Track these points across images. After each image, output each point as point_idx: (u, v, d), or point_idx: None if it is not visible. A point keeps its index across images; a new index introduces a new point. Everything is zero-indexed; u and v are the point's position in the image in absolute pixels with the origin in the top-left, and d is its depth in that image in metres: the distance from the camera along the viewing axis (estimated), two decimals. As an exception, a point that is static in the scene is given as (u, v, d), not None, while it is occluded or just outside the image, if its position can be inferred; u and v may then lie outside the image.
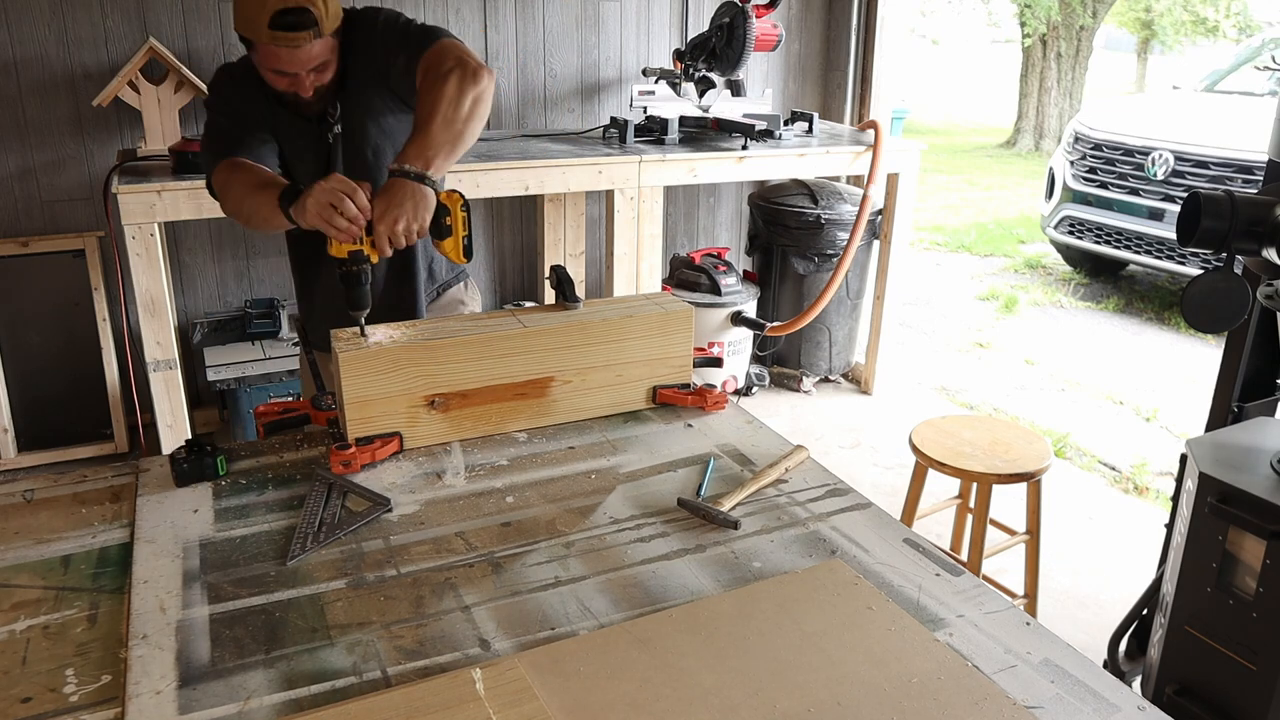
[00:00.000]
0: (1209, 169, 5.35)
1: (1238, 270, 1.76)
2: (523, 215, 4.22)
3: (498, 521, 1.38)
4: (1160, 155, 5.56)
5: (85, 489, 1.49)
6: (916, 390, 4.54)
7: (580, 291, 1.86)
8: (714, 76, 3.82)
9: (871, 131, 4.04)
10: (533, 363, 1.64)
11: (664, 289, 3.92)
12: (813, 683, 1.04)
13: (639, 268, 3.60)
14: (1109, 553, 3.18)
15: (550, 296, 1.80)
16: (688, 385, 1.78)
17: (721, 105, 3.97)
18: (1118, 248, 5.84)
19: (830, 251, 4.11)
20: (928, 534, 3.01)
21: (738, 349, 4.05)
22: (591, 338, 1.67)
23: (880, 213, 4.14)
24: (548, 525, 1.37)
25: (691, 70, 3.82)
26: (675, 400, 1.76)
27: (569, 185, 3.43)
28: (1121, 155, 5.79)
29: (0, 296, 3.35)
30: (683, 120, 3.81)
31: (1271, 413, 2.17)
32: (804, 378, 4.41)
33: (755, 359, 4.29)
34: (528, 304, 3.20)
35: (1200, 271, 1.91)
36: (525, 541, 1.33)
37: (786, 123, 4.03)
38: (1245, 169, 5.14)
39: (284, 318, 3.49)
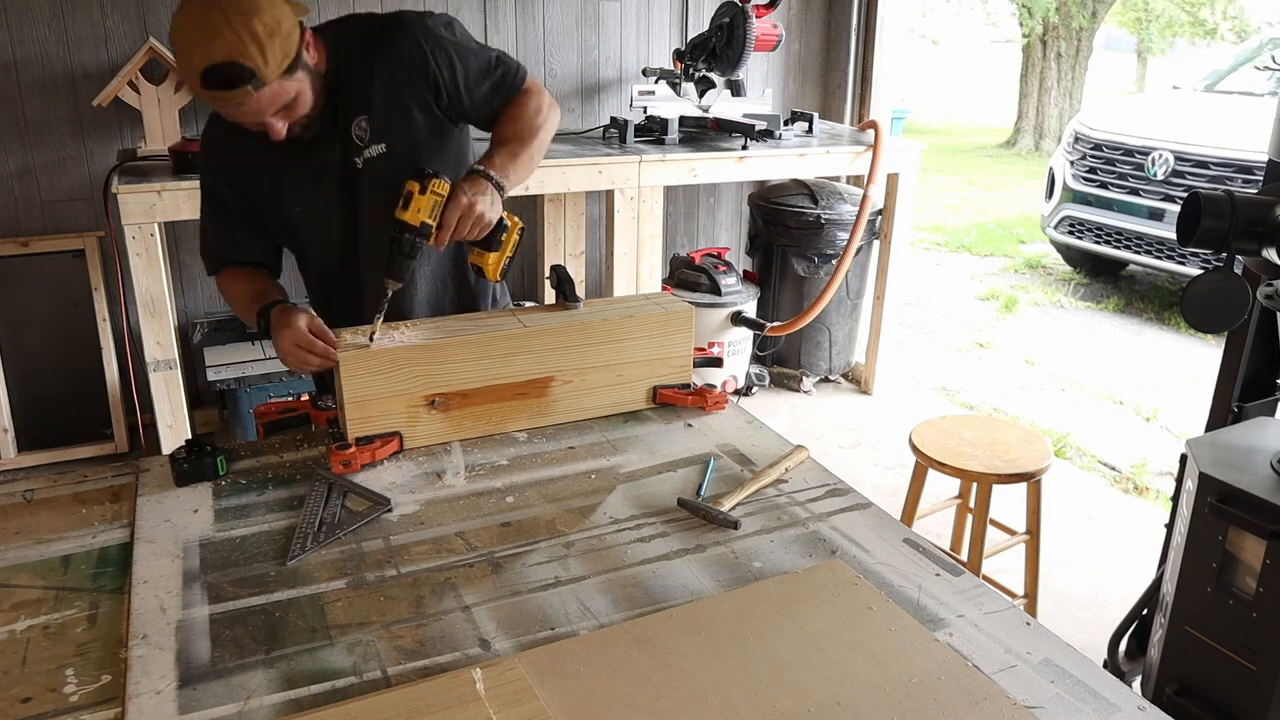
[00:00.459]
0: (1209, 169, 5.34)
1: (1238, 270, 1.76)
2: (523, 215, 4.19)
3: (498, 521, 1.38)
4: (1160, 155, 5.56)
5: (85, 489, 1.49)
6: (916, 390, 4.54)
7: (580, 291, 1.85)
8: (714, 76, 3.82)
9: (871, 131, 4.04)
10: (533, 363, 1.64)
11: (664, 289, 3.92)
12: (813, 683, 1.04)
13: (639, 268, 3.60)
14: (1109, 553, 3.18)
15: (550, 296, 1.80)
16: (688, 385, 1.78)
17: (721, 105, 3.97)
18: (1118, 248, 5.84)
19: (830, 251, 4.11)
20: (928, 534, 3.01)
21: (738, 349, 4.05)
22: (592, 338, 1.67)
23: (880, 213, 4.14)
24: (548, 525, 1.37)
25: (691, 70, 3.82)
26: (675, 400, 1.76)
27: (569, 185, 3.42)
28: (1121, 155, 5.79)
29: (0, 296, 3.35)
30: (683, 120, 3.81)
31: (1271, 413, 2.17)
32: (804, 378, 4.41)
33: (755, 359, 4.29)
34: (528, 304, 3.20)
35: (1200, 271, 1.91)
36: (525, 541, 1.33)
37: (786, 123, 4.03)
38: (1245, 169, 5.14)
39: (284, 318, 3.48)
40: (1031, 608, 2.64)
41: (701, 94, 3.89)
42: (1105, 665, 2.29)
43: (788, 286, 4.24)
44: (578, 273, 4.15)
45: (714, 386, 1.82)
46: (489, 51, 1.75)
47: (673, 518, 1.40)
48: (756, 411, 2.00)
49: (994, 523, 2.66)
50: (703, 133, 3.86)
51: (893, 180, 4.05)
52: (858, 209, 3.95)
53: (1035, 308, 6.07)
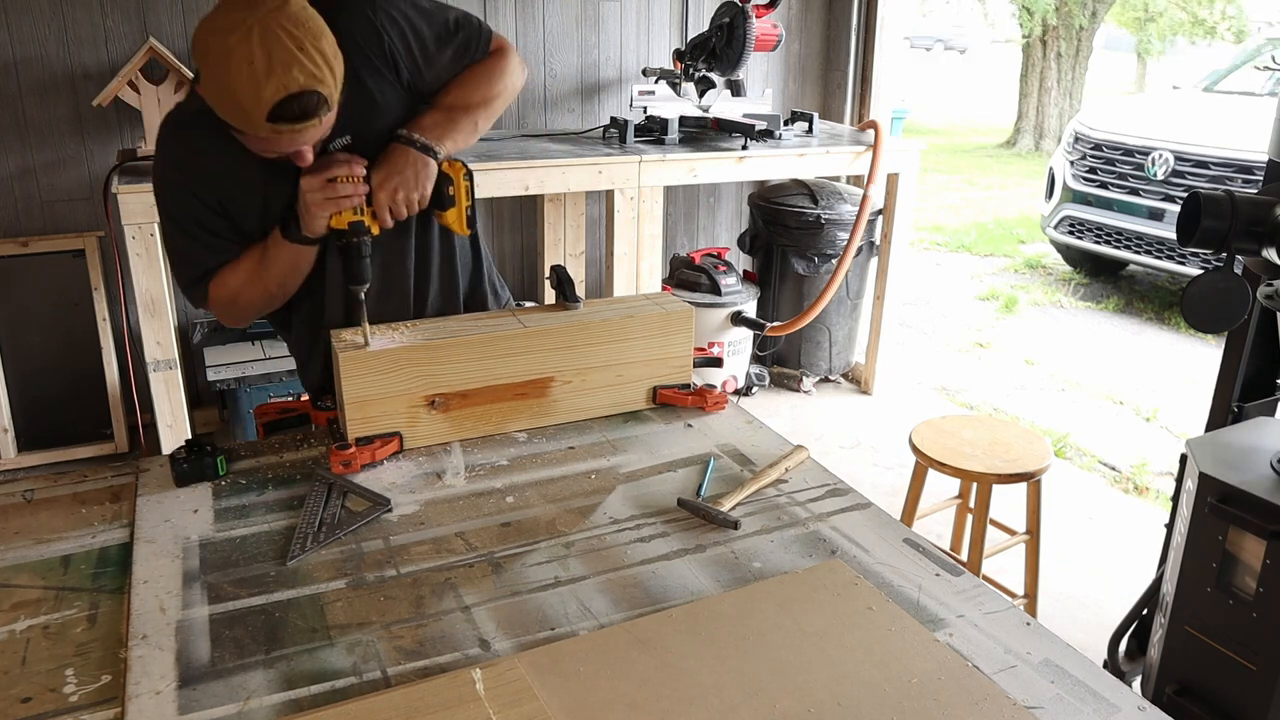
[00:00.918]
0: (1209, 169, 5.34)
1: (1238, 270, 1.76)
2: (523, 215, 4.22)
3: (498, 521, 1.38)
4: (1160, 155, 5.56)
5: (85, 489, 1.49)
6: (916, 390, 4.54)
7: (580, 291, 1.84)
8: (714, 76, 3.82)
9: (871, 131, 4.04)
10: (533, 363, 1.64)
11: (664, 289, 3.92)
12: (813, 683, 1.04)
13: (639, 268, 3.60)
14: (1109, 553, 3.18)
15: (550, 296, 1.80)
16: (688, 385, 1.78)
17: (721, 105, 3.96)
18: (1118, 248, 5.84)
19: (830, 251, 4.11)
20: (928, 534, 3.01)
21: (738, 349, 4.05)
22: (591, 338, 1.67)
23: (880, 212, 4.14)
24: (548, 525, 1.37)
25: (691, 70, 3.82)
26: (675, 400, 1.76)
27: (569, 185, 3.42)
28: (1121, 155, 5.79)
29: (0, 296, 3.35)
30: (683, 120, 3.81)
31: (1271, 413, 2.17)
32: (804, 378, 4.41)
33: (755, 359, 4.29)
34: (528, 304, 3.20)
35: (1200, 271, 1.91)
36: (525, 541, 1.33)
37: (786, 123, 4.03)
38: (1245, 169, 5.14)
39: (284, 318, 3.49)
40: (1031, 608, 2.64)
41: (701, 94, 3.89)
42: (1105, 665, 2.29)
43: (788, 286, 4.24)
44: (578, 273, 4.15)
45: (714, 386, 1.82)
46: (447, 12, 1.61)
47: (673, 518, 1.40)
48: (756, 411, 2.00)
49: (994, 523, 2.66)
50: (703, 133, 3.86)
51: (893, 180, 4.05)
52: (858, 209, 3.95)
53: (1035, 308, 6.07)
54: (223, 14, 1.30)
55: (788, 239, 4.15)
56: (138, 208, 2.81)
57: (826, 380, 4.51)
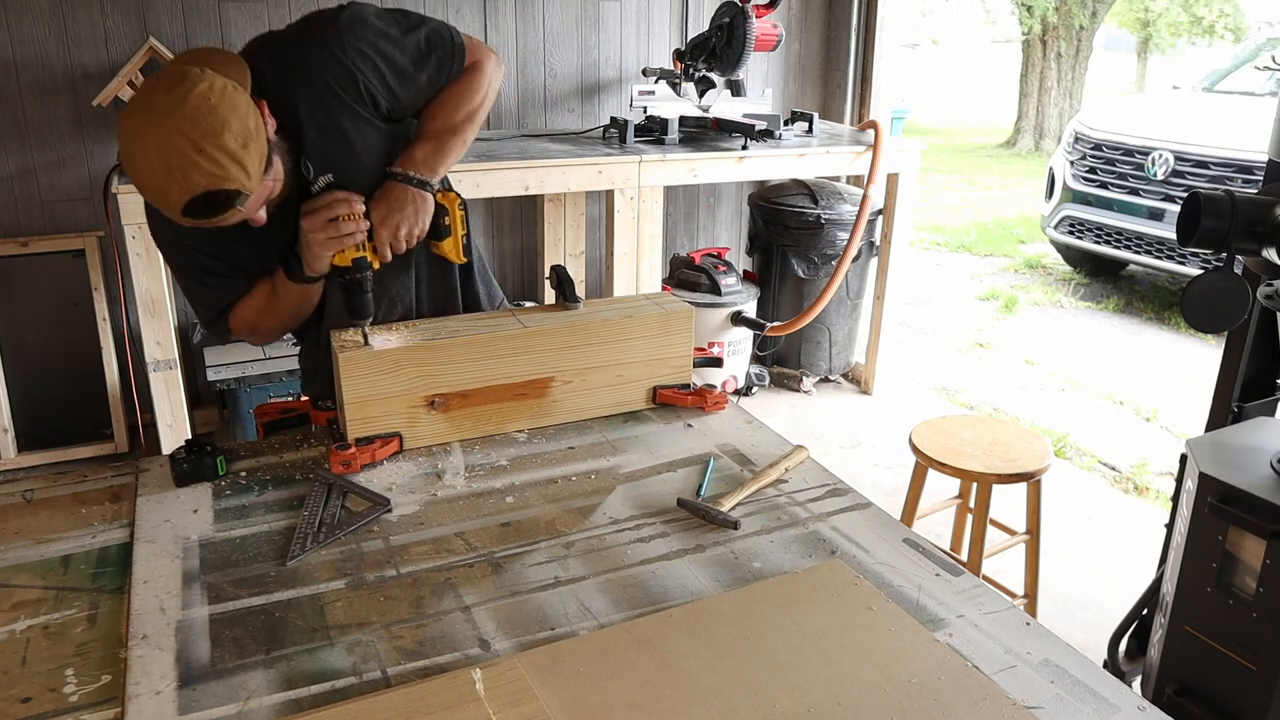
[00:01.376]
0: (1209, 169, 5.34)
1: (1238, 270, 1.76)
2: (523, 215, 4.22)
3: (498, 521, 1.38)
4: (1160, 155, 5.56)
5: (85, 489, 1.49)
6: (916, 390, 4.54)
7: (580, 291, 1.85)
8: (714, 76, 3.82)
9: (871, 131, 4.04)
10: (533, 363, 1.64)
11: (664, 289, 3.92)
12: (813, 683, 1.04)
13: (639, 268, 3.60)
14: (1109, 553, 3.18)
15: (550, 296, 1.80)
16: (688, 385, 1.78)
17: (721, 105, 3.97)
18: (1118, 248, 5.84)
19: (830, 252, 4.11)
20: (928, 534, 3.01)
21: (738, 349, 4.05)
22: (591, 338, 1.67)
23: (880, 212, 4.14)
24: (548, 525, 1.37)
25: (691, 70, 3.82)
26: (675, 400, 1.76)
27: (569, 185, 3.42)
28: (1121, 155, 5.79)
29: (0, 296, 3.35)
30: (683, 120, 3.81)
31: (1271, 413, 2.17)
32: (804, 378, 4.41)
33: (755, 359, 4.29)
34: (528, 304, 3.20)
35: (1200, 271, 1.91)
36: (525, 541, 1.33)
37: (786, 123, 4.03)
38: (1245, 169, 5.14)
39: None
40: (1031, 608, 2.64)
41: (701, 94, 3.89)
42: (1105, 665, 2.29)
43: (788, 286, 4.24)
44: (578, 273, 4.15)
45: (714, 386, 1.82)
46: (416, 34, 1.57)
47: (673, 518, 1.40)
48: (756, 411, 2.00)
49: (994, 523, 2.66)
50: (703, 133, 3.86)
51: (893, 180, 4.05)
52: (858, 209, 3.96)
53: (1035, 308, 6.07)
54: (129, 115, 1.30)
55: (788, 239, 4.15)
56: (138, 208, 2.81)
57: (826, 380, 4.51)
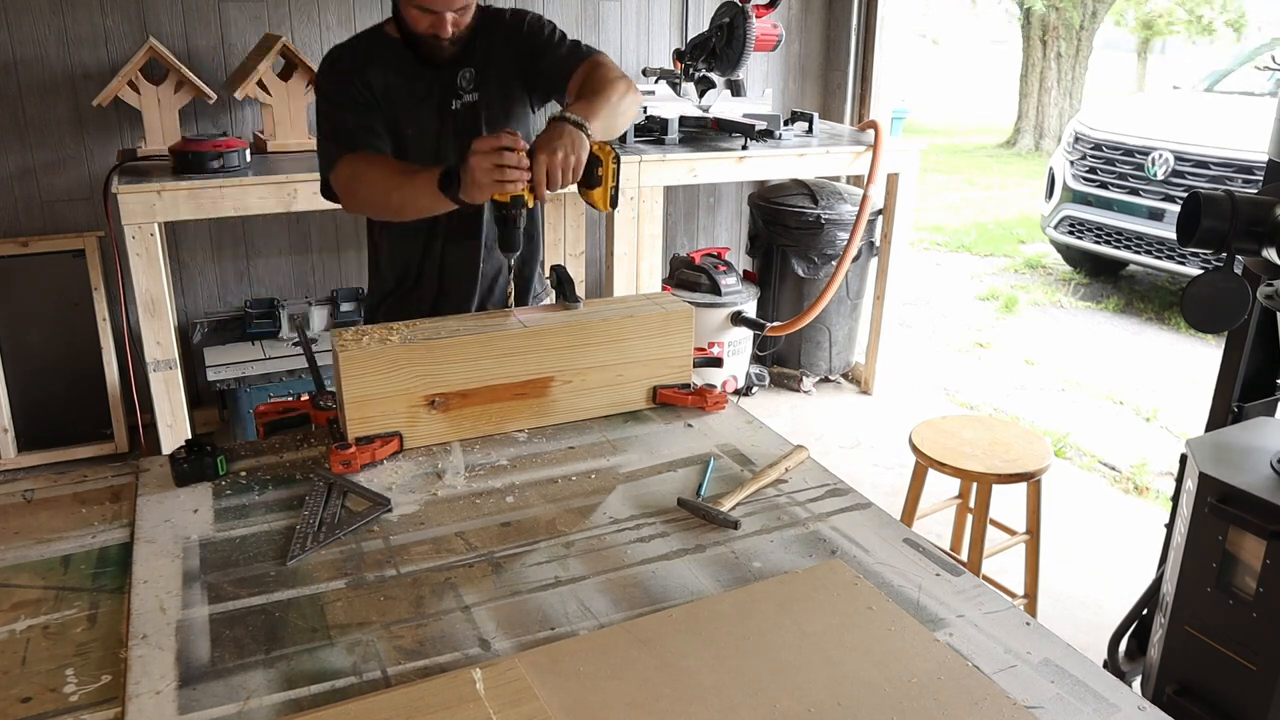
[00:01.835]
0: (1209, 169, 5.35)
1: (1238, 270, 1.76)
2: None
3: (498, 521, 1.38)
4: (1160, 155, 5.56)
5: (85, 489, 1.49)
6: (916, 390, 4.54)
7: (580, 291, 1.86)
8: (714, 76, 3.82)
9: (871, 131, 4.04)
10: (533, 363, 1.64)
11: (664, 289, 3.92)
12: (813, 683, 1.04)
13: (639, 268, 3.60)
14: (1109, 553, 3.18)
15: (550, 296, 1.80)
16: (688, 385, 1.78)
17: (721, 105, 3.96)
18: (1118, 248, 5.84)
19: (830, 251, 4.11)
20: (928, 534, 3.01)
21: (738, 349, 4.05)
22: (591, 338, 1.67)
23: (880, 212, 4.14)
24: (548, 525, 1.37)
25: (691, 70, 3.82)
26: (675, 400, 1.76)
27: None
28: (1121, 155, 5.79)
29: (0, 296, 3.35)
30: (683, 120, 3.81)
31: (1271, 413, 2.17)
32: (804, 378, 4.41)
33: (755, 359, 4.29)
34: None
35: (1200, 271, 1.91)
36: (525, 541, 1.33)
37: (786, 123, 4.03)
38: (1245, 169, 5.14)
39: (284, 317, 3.49)
40: (1031, 608, 2.64)
41: (701, 94, 3.89)
42: (1105, 665, 2.29)
43: (788, 286, 4.24)
44: (578, 273, 4.15)
45: (714, 386, 1.82)
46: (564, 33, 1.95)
47: (673, 518, 1.40)
48: (756, 411, 2.00)
49: (994, 523, 2.66)
50: (703, 133, 3.86)
51: (893, 180, 4.05)
52: (858, 209, 3.96)
53: (1035, 308, 6.07)
54: None
55: (788, 239, 4.15)
56: (138, 208, 2.82)
57: (826, 380, 4.51)
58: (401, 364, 1.54)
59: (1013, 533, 2.68)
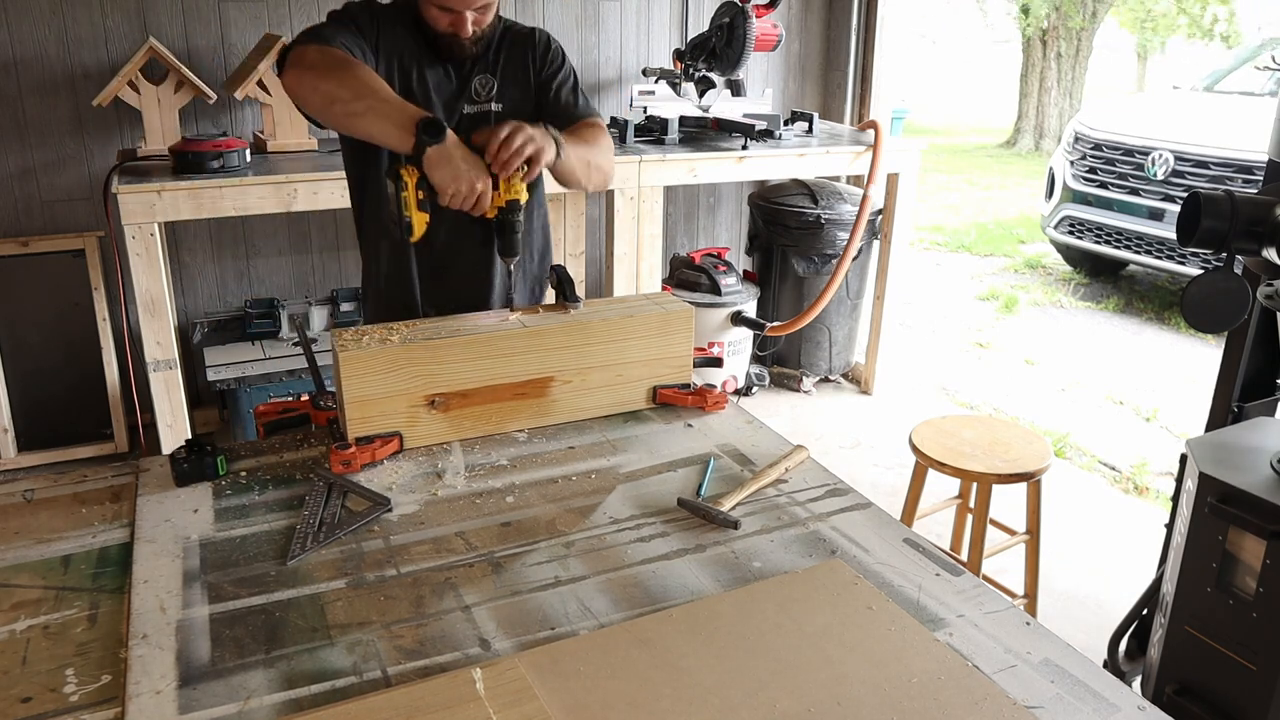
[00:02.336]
0: (1209, 169, 5.34)
1: (1238, 270, 1.76)
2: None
3: (498, 521, 1.38)
4: (1160, 155, 5.56)
5: (85, 489, 1.49)
6: (916, 390, 4.54)
7: (580, 291, 1.87)
8: (714, 76, 3.82)
9: (871, 131, 4.04)
10: (533, 363, 1.64)
11: (664, 289, 3.92)
12: (813, 683, 1.04)
13: (639, 268, 3.60)
14: (1109, 553, 3.18)
15: (550, 296, 1.80)
16: (688, 385, 1.78)
17: (721, 105, 3.97)
18: (1118, 248, 5.84)
19: (830, 251, 4.11)
20: (928, 534, 3.01)
21: (738, 349, 4.05)
22: (591, 338, 1.67)
23: (880, 212, 4.14)
24: (548, 525, 1.37)
25: (691, 70, 3.82)
26: (675, 400, 1.76)
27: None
28: (1121, 155, 5.79)
29: (0, 296, 3.35)
30: (683, 120, 3.81)
31: (1271, 413, 2.17)
32: (804, 378, 4.41)
33: (755, 359, 4.29)
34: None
35: (1200, 271, 1.91)
36: (525, 541, 1.33)
37: (786, 123, 4.03)
38: (1245, 169, 5.14)
39: (284, 317, 3.49)
40: (1031, 608, 2.64)
41: (701, 94, 3.89)
42: (1105, 665, 2.29)
43: (788, 286, 4.24)
44: (578, 273, 4.15)
45: (714, 386, 1.82)
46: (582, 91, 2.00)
47: (673, 518, 1.40)
48: (756, 411, 2.00)
49: (994, 523, 2.66)
50: (703, 133, 3.86)
51: (893, 180, 4.05)
52: (858, 209, 3.96)
53: (1035, 308, 6.07)
54: None
55: (788, 239, 4.15)
56: (138, 208, 2.81)
57: (826, 380, 4.51)
58: (401, 364, 1.54)
59: (1013, 533, 2.68)
